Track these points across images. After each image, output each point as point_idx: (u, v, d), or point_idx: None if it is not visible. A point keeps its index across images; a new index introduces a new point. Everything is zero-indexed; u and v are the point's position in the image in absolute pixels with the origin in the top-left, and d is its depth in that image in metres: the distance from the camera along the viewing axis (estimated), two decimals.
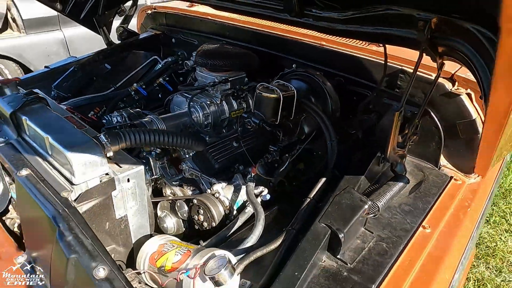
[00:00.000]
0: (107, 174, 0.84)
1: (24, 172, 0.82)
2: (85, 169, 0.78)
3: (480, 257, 2.05)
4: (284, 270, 0.74)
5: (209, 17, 1.80)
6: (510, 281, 1.91)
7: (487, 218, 2.33)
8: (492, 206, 2.44)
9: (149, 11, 2.09)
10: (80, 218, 0.72)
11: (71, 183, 0.79)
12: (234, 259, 0.76)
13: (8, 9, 3.09)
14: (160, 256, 0.81)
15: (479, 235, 2.20)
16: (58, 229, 0.69)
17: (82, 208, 0.78)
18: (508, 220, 2.33)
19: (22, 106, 0.94)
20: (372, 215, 0.91)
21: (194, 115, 1.40)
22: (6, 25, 3.13)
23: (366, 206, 0.87)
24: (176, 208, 1.23)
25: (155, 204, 1.28)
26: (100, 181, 0.81)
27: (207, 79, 1.48)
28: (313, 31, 1.34)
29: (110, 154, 0.87)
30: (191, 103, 1.40)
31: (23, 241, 0.84)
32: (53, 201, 0.74)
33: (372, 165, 1.02)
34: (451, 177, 1.16)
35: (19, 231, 0.99)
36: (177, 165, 1.39)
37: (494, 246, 2.13)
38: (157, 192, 1.39)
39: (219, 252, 0.75)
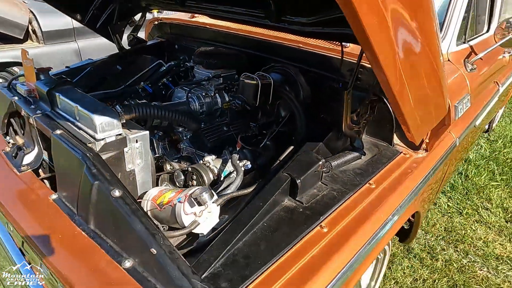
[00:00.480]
0: (120, 134, 1.10)
1: (58, 131, 1.08)
2: (105, 128, 1.04)
3: (450, 242, 2.26)
4: (251, 202, 0.98)
5: (207, 26, 2.09)
6: (475, 262, 2.11)
7: (460, 211, 2.55)
8: (466, 200, 2.65)
9: (156, 22, 2.40)
10: (101, 160, 0.98)
11: (94, 139, 1.05)
12: (215, 195, 1.01)
13: (30, 22, 3.44)
14: (160, 196, 1.06)
15: (451, 224, 2.40)
16: (85, 165, 0.94)
17: (102, 156, 1.03)
18: (479, 212, 2.54)
19: (55, 86, 1.22)
20: (325, 169, 1.15)
21: (192, 104, 1.67)
22: (27, 36, 3.47)
23: (320, 163, 1.11)
24: (174, 177, 1.47)
25: (157, 178, 1.53)
26: (115, 138, 1.07)
27: (203, 75, 1.76)
28: (290, 35, 1.62)
29: (123, 120, 1.13)
30: (189, 94, 1.67)
31: (56, 184, 1.09)
32: (81, 148, 0.99)
33: (331, 135, 1.27)
34: (401, 152, 1.40)
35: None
36: (176, 146, 1.65)
37: (464, 233, 2.33)
38: (158, 169, 1.64)
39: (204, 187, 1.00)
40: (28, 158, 1.22)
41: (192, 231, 0.94)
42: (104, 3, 2.06)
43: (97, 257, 0.86)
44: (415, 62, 0.90)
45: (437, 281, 1.96)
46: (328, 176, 1.20)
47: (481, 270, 2.06)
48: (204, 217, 0.96)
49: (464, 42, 1.75)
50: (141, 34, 2.40)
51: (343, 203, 1.08)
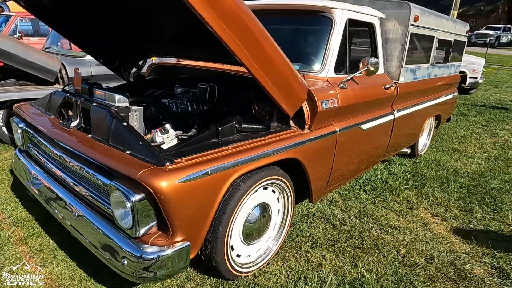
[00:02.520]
0: (127, 106, 2.06)
1: (95, 103, 2.05)
2: (120, 100, 2.01)
3: (358, 217, 3.08)
4: (194, 136, 1.91)
5: (186, 66, 3.17)
6: (372, 227, 2.92)
7: (374, 201, 3.39)
8: (381, 195, 3.51)
9: (153, 66, 3.50)
10: (118, 114, 1.93)
11: (114, 106, 2.01)
12: (174, 131, 1.94)
13: (60, 70, 4.58)
14: (147, 136, 1.99)
15: (364, 208, 3.24)
16: (109, 113, 1.89)
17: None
18: (388, 202, 3.38)
19: (93, 84, 2.21)
20: (238, 126, 2.08)
21: (172, 108, 2.66)
22: (56, 80, 4.58)
23: (233, 122, 2.06)
24: None
25: None
26: (124, 106, 2.04)
27: (179, 91, 2.78)
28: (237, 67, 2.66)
29: (129, 100, 2.10)
30: (170, 102, 2.66)
31: (91, 130, 2.02)
32: (107, 108, 1.95)
33: (247, 115, 2.23)
34: (292, 129, 2.35)
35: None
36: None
37: (371, 213, 3.16)
38: None
39: None
40: (73, 124, 2.17)
41: (160, 146, 1.86)
42: (117, 53, 3.16)
43: (112, 151, 1.77)
44: (272, 71, 1.90)
45: (340, 235, 2.76)
46: (244, 134, 2.13)
47: (376, 232, 2.87)
48: (168, 141, 1.89)
49: (345, 73, 2.80)
50: (142, 73, 3.48)
51: (244, 142, 2.01)
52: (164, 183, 1.51)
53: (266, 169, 2.10)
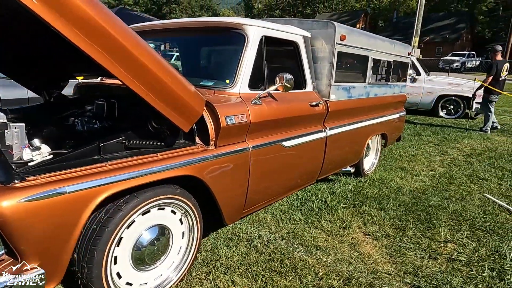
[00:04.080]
0: (4, 122, 1.92)
1: None
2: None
3: (285, 238, 2.95)
4: (67, 153, 1.78)
5: (108, 84, 3.07)
6: (297, 248, 2.78)
7: (307, 221, 3.28)
8: (315, 215, 3.40)
9: (78, 85, 3.38)
10: (5, 126, 1.78)
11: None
12: (48, 147, 1.80)
13: None
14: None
15: (295, 228, 3.11)
16: None
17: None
18: (321, 222, 3.27)
19: None
20: (126, 142, 1.96)
21: (77, 126, 2.52)
22: None
23: (120, 138, 1.94)
24: None
25: None
26: (1, 122, 1.89)
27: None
28: None
29: (9, 116, 1.96)
30: (75, 120, 2.53)
31: None
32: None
33: (142, 130, 2.12)
34: (197, 145, 2.25)
35: None
36: None
37: (301, 234, 3.04)
38: None
39: None
40: None
41: (28, 163, 1.71)
42: (36, 74, 3.04)
43: None
44: (154, 85, 1.81)
45: (259, 258, 2.61)
46: (135, 151, 2.01)
47: (299, 253, 2.73)
48: (40, 158, 1.74)
49: (264, 89, 2.74)
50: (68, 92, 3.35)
51: (130, 158, 1.88)
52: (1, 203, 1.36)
53: (157, 187, 1.97)
